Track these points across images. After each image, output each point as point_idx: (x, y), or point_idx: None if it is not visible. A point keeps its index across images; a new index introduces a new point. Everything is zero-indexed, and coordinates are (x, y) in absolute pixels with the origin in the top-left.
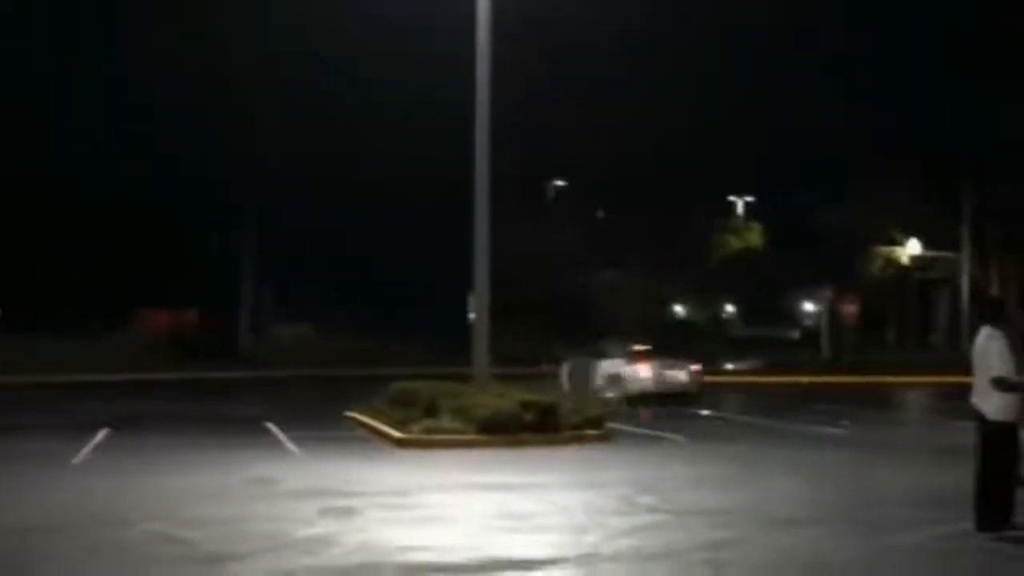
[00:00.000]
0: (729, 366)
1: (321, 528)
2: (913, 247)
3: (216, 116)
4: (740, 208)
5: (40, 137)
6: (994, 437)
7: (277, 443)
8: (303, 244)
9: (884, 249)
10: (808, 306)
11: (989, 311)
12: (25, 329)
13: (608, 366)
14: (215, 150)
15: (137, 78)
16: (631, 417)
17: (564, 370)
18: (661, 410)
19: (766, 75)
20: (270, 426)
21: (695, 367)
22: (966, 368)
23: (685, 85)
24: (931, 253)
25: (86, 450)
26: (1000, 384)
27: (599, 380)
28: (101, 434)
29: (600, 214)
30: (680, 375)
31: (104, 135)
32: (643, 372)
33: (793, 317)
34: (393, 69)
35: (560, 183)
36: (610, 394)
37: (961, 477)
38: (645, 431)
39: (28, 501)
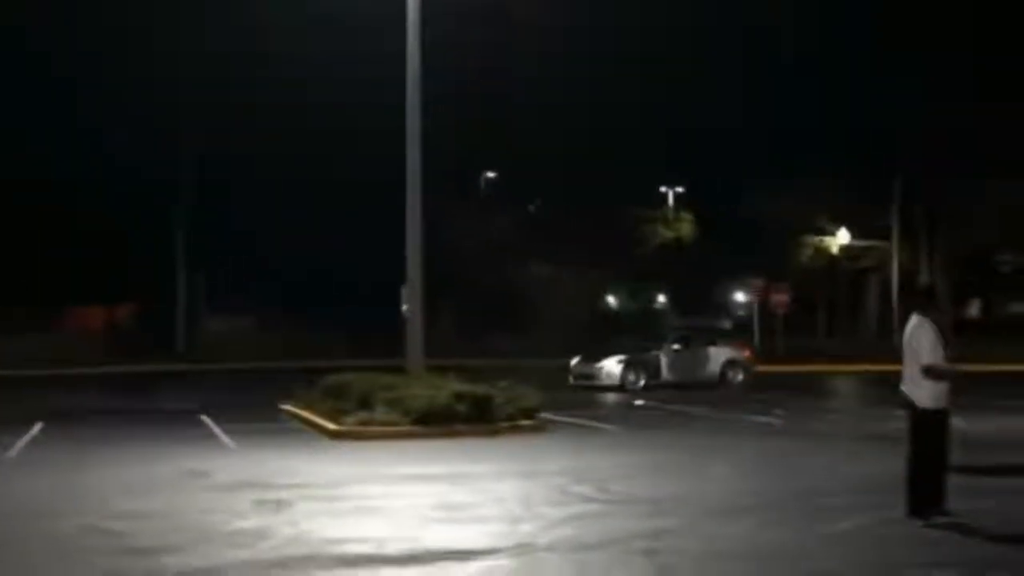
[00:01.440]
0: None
1: (255, 520)
2: (843, 237)
3: (153, 107)
4: (671, 199)
5: None
6: (925, 425)
7: (211, 435)
8: (237, 239)
9: (814, 239)
10: (740, 296)
11: (919, 299)
12: None
13: None
14: (151, 143)
15: (70, 64)
16: (564, 407)
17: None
18: (594, 400)
19: (697, 71)
20: (204, 419)
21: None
22: (897, 356)
23: (616, 79)
24: (861, 242)
25: (20, 444)
26: (930, 372)
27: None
28: (35, 428)
29: (532, 207)
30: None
31: (37, 128)
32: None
33: (725, 307)
34: (327, 64)
35: (491, 175)
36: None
37: (893, 464)
38: (579, 421)
39: None
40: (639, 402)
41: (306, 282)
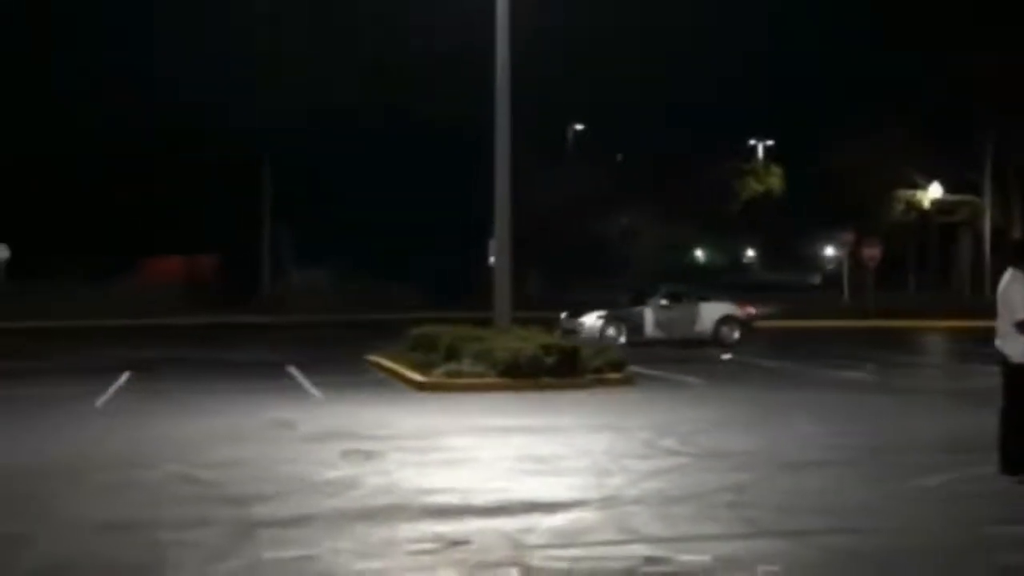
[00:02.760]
0: (751, 310)
1: (343, 471)
2: (935, 191)
3: (231, 57)
4: (760, 152)
5: (44, 77)
6: (1018, 380)
7: (298, 387)
8: (320, 190)
9: (905, 193)
10: (829, 251)
11: (1013, 253)
12: (37, 273)
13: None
14: (233, 94)
15: (151, 16)
16: (651, 361)
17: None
18: (683, 354)
19: (785, 22)
20: (291, 370)
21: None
22: (989, 311)
23: (703, 31)
24: (952, 197)
25: (108, 394)
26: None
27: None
28: (123, 378)
29: (620, 158)
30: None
31: (121, 77)
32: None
33: (814, 262)
34: (411, 14)
35: (579, 127)
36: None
37: (985, 421)
38: (666, 375)
39: (52, 443)
40: (727, 356)
41: (389, 234)
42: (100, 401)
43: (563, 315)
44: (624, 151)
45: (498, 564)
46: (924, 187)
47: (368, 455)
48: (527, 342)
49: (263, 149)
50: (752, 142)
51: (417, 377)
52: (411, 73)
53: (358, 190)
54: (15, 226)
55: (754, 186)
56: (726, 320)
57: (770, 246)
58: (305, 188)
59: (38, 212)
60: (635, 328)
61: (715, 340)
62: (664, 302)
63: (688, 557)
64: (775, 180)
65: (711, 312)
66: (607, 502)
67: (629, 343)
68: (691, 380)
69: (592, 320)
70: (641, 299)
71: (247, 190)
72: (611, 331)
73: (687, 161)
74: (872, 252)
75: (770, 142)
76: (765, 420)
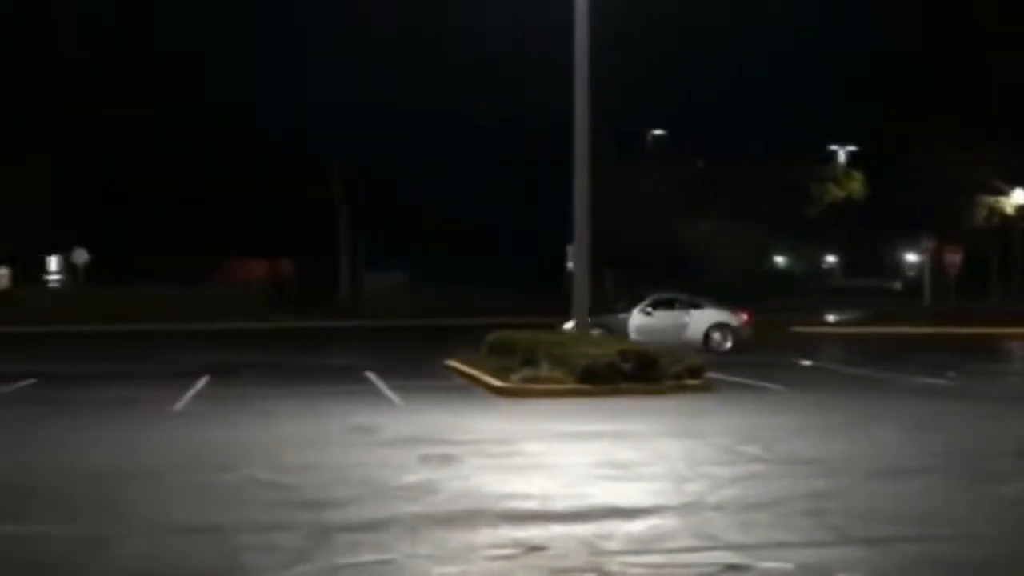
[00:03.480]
0: (830, 317)
1: (422, 475)
2: (1019, 196)
3: (308, 61)
4: (842, 157)
5: (128, 82)
6: None
7: (376, 391)
8: (394, 193)
9: (989, 199)
10: (910, 256)
11: None
12: (117, 277)
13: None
14: (309, 97)
15: (227, 22)
16: (730, 367)
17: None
18: (763, 360)
19: (868, 26)
20: (370, 375)
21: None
22: None
23: (785, 35)
24: None
25: (187, 397)
26: None
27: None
28: (201, 382)
29: (700, 163)
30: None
31: (200, 83)
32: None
33: (895, 267)
34: (489, 18)
35: (658, 132)
36: None
37: None
38: (746, 381)
39: (131, 446)
40: (806, 362)
41: (466, 239)
42: (179, 405)
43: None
44: (704, 156)
45: (576, 570)
46: (1008, 193)
47: (446, 460)
48: (605, 347)
49: (340, 152)
50: (833, 147)
51: (495, 382)
52: (492, 76)
53: (435, 193)
54: (96, 230)
55: (835, 191)
56: (717, 327)
57: (851, 252)
58: (382, 191)
59: (119, 216)
60: (618, 335)
61: (706, 347)
62: (648, 309)
63: (769, 564)
64: (856, 185)
65: (702, 319)
66: (686, 508)
67: None
68: (771, 386)
69: (569, 327)
70: (634, 305)
71: (325, 193)
72: None
73: (767, 166)
74: (953, 258)
75: (852, 147)
76: (846, 427)
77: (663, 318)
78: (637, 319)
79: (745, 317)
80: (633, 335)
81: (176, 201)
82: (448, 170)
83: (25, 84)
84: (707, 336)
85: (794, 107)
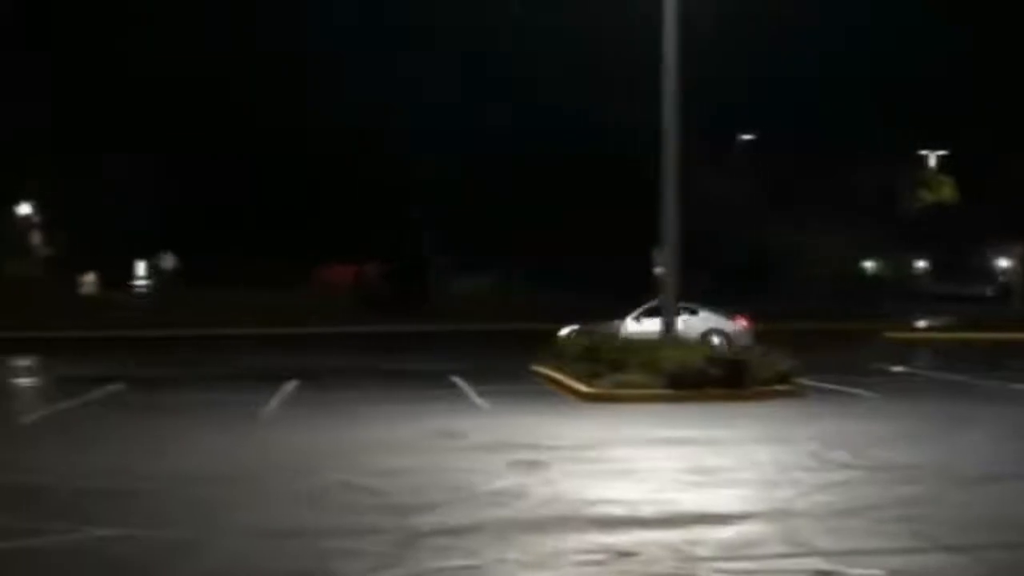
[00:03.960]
0: (920, 322)
1: (510, 481)
2: None
3: (393, 65)
4: (933, 161)
5: (220, 83)
6: None
7: (463, 396)
8: (483, 197)
9: None
10: (1002, 261)
11: None
12: (207, 281)
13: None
14: (398, 100)
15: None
16: (821, 373)
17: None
18: (853, 367)
19: (960, 29)
20: (456, 380)
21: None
22: None
23: (877, 37)
24: None
25: (275, 402)
26: None
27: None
28: (289, 386)
29: (789, 167)
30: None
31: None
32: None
33: (987, 273)
34: (579, 17)
35: (747, 136)
36: None
37: None
38: (835, 387)
39: (219, 450)
40: (896, 368)
41: (553, 242)
42: (268, 409)
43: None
44: (794, 159)
45: None
46: None
47: (534, 465)
48: (694, 352)
49: (426, 157)
50: (924, 151)
51: (582, 387)
52: (580, 80)
53: (521, 198)
54: (186, 235)
55: (926, 196)
56: (712, 333)
57: (941, 257)
58: (468, 197)
59: (209, 221)
60: None
61: None
62: (639, 317)
63: (859, 571)
64: (947, 189)
65: (695, 325)
66: (776, 515)
67: None
68: (862, 393)
69: (563, 334)
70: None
71: (412, 198)
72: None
73: (857, 170)
74: None
75: (943, 151)
76: (938, 433)
77: (654, 325)
78: (629, 327)
79: (744, 322)
80: None
81: (265, 206)
82: (537, 172)
83: (119, 88)
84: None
85: (885, 111)
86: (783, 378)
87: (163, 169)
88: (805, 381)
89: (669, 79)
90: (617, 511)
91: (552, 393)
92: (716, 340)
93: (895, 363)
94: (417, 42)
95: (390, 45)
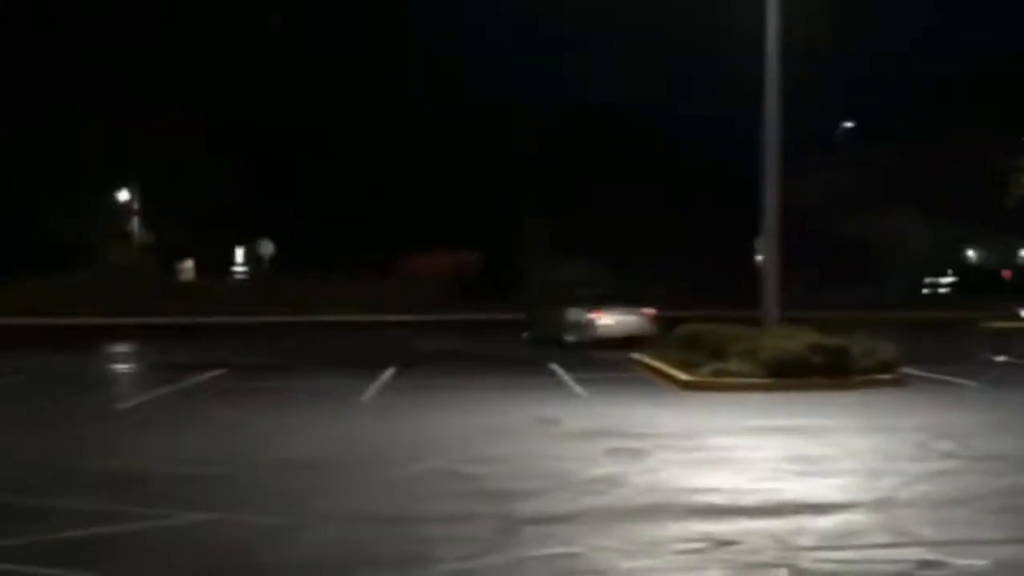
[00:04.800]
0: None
1: (608, 469)
2: None
3: (501, 55)
4: None
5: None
6: None
7: (561, 384)
8: (577, 186)
9: None
10: None
11: None
12: (303, 269)
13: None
14: (500, 94)
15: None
16: (924, 362)
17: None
18: (957, 356)
19: None
20: (554, 367)
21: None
22: None
23: (982, 21)
24: None
25: (373, 389)
26: None
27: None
28: (388, 373)
29: (890, 156)
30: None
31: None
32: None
33: None
34: (680, 15)
35: (848, 124)
36: (571, 338)
37: None
38: (939, 376)
39: (318, 437)
40: (1000, 358)
41: (653, 231)
42: (366, 396)
43: None
44: (895, 148)
45: (768, 565)
46: None
47: (633, 453)
48: (795, 341)
49: (524, 145)
50: None
51: (682, 376)
52: (677, 69)
53: (618, 186)
54: (284, 222)
55: None
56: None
57: None
58: (565, 184)
59: (304, 209)
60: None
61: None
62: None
63: (964, 561)
64: None
65: (575, 316)
66: (878, 504)
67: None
68: (966, 382)
69: None
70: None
71: (508, 185)
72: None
73: (960, 158)
74: None
75: None
76: None
77: (549, 314)
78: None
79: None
80: (537, 332)
81: (363, 194)
82: (635, 163)
83: (218, 76)
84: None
85: (989, 96)
86: (886, 367)
87: (262, 158)
88: (908, 370)
89: (772, 70)
90: (717, 499)
91: (651, 381)
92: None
93: (998, 353)
94: (514, 36)
95: (493, 38)
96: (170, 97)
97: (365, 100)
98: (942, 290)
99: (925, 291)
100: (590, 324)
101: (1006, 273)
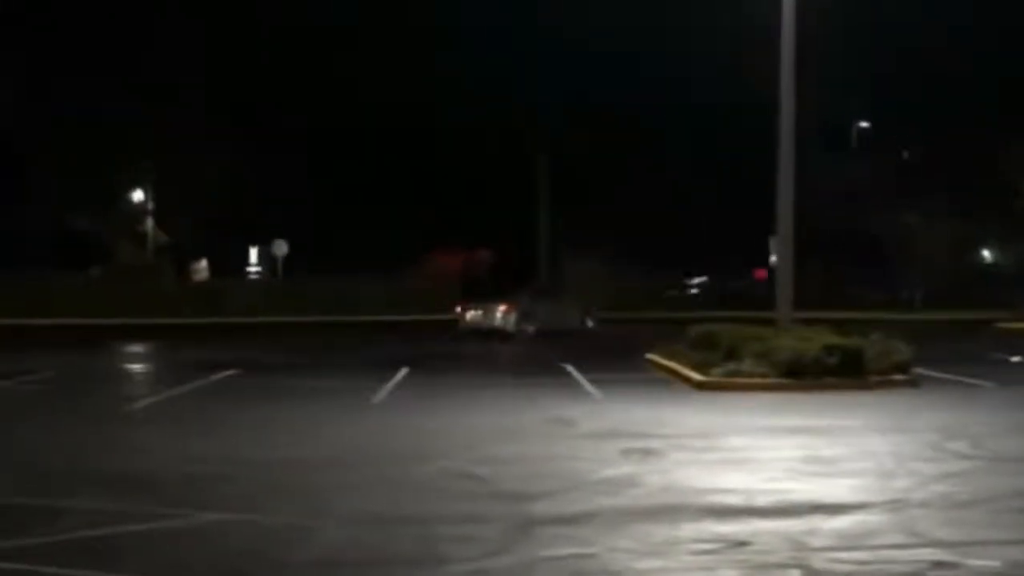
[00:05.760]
0: None
1: (623, 469)
2: None
3: (516, 52)
4: None
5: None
6: None
7: (576, 384)
8: (591, 183)
9: None
10: None
11: None
12: (316, 269)
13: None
14: (511, 88)
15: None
16: (938, 363)
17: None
18: (970, 356)
19: None
20: (568, 367)
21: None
22: None
23: (992, 20)
24: None
25: (386, 388)
26: None
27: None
28: (400, 373)
29: (905, 154)
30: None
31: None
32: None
33: None
34: (694, 12)
35: (865, 125)
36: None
37: None
38: (953, 377)
39: (330, 437)
40: (1015, 359)
41: (667, 230)
42: (379, 396)
43: None
44: (910, 147)
45: (781, 566)
46: None
47: (647, 454)
48: (809, 342)
49: (539, 142)
50: None
51: (696, 376)
52: (696, 69)
53: (636, 184)
54: (296, 222)
55: None
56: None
57: None
58: (579, 182)
59: (319, 210)
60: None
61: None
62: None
63: (978, 562)
64: None
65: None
66: (892, 505)
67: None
68: (979, 383)
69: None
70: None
71: (522, 184)
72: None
73: (974, 157)
74: None
75: None
76: None
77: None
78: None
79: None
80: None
81: (376, 193)
82: (650, 161)
83: (235, 75)
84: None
85: (1003, 96)
86: (901, 368)
87: (275, 156)
88: (923, 371)
89: (787, 67)
90: (731, 500)
91: (665, 381)
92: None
93: (1013, 353)
94: (527, 33)
95: (507, 34)
96: (186, 96)
97: (376, 99)
98: (693, 291)
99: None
100: (461, 317)
101: (760, 273)
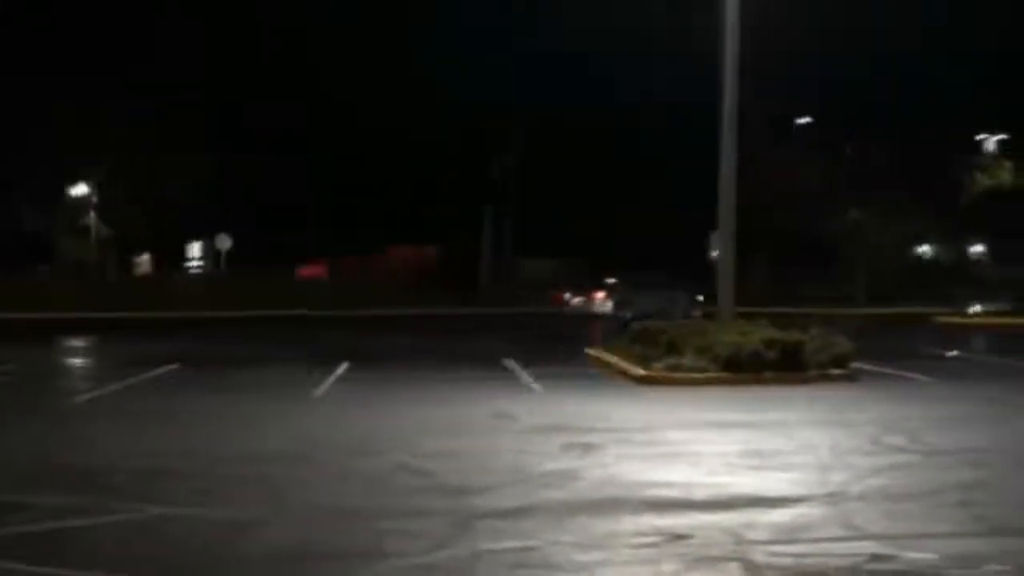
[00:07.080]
0: (976, 307)
1: (564, 463)
2: None
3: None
4: (991, 146)
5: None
6: None
7: (516, 379)
8: (541, 181)
9: None
10: None
11: None
12: (259, 263)
13: None
14: (468, 89)
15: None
16: (876, 357)
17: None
18: (908, 351)
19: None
20: (510, 362)
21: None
22: None
23: (942, 16)
24: None
25: (328, 382)
26: None
27: None
28: (342, 368)
29: (848, 150)
30: None
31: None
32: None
33: None
34: (639, 16)
35: (805, 121)
36: None
37: None
38: (891, 371)
39: (273, 431)
40: (951, 353)
41: (610, 228)
42: (320, 390)
43: None
44: (853, 146)
45: (720, 559)
46: None
47: (588, 448)
48: (750, 336)
49: (491, 140)
50: (982, 136)
51: (637, 371)
52: (642, 63)
53: (584, 179)
54: (242, 216)
55: (984, 180)
56: None
57: (1000, 242)
58: (527, 180)
59: (263, 203)
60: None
61: None
62: None
63: (915, 555)
64: (1005, 174)
65: None
66: (831, 498)
67: None
68: (917, 377)
69: None
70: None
71: (472, 181)
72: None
73: (915, 155)
74: None
75: (1002, 136)
76: (995, 418)
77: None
78: None
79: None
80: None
81: (324, 188)
82: (596, 155)
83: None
84: None
85: (945, 95)
86: (840, 362)
87: (223, 151)
88: (861, 365)
89: (731, 60)
90: (671, 494)
91: (606, 376)
92: None
93: (949, 348)
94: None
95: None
96: (129, 90)
97: (328, 100)
98: None
99: None
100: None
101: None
